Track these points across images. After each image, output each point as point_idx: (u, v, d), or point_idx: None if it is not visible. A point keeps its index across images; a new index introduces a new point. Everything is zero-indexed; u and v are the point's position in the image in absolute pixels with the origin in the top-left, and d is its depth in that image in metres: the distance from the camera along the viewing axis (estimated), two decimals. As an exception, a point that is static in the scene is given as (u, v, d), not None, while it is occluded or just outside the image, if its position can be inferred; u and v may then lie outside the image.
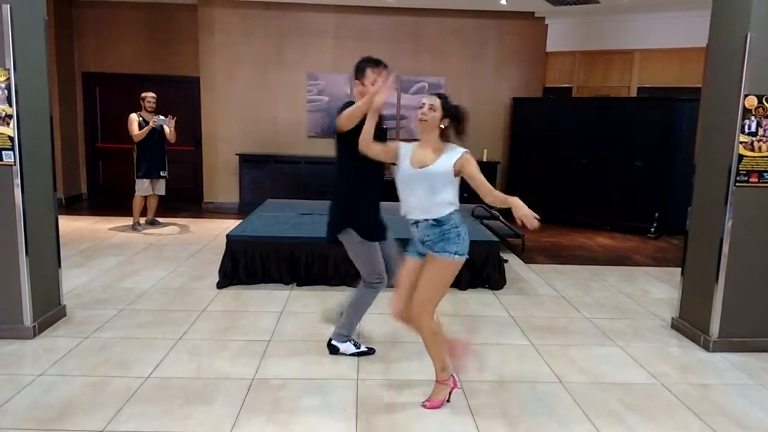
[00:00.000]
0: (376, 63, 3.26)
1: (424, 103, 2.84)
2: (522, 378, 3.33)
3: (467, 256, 2.87)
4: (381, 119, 3.12)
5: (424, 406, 2.94)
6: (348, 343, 3.53)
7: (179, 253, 6.01)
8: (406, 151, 2.94)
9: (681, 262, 4.20)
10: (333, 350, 3.53)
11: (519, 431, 2.76)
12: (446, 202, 2.82)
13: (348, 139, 3.11)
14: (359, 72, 3.27)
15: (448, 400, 2.98)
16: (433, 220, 2.81)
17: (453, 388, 3.01)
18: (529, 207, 2.64)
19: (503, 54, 9.13)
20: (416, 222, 2.87)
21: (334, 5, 8.74)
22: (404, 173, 2.89)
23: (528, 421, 2.85)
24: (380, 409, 2.92)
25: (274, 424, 2.74)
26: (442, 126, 2.84)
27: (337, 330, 3.54)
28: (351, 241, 3.30)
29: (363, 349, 3.55)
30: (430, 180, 2.80)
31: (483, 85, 9.15)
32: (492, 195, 2.79)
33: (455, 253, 2.80)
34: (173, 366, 3.34)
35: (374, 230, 3.34)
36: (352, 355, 3.50)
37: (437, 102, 2.83)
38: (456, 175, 2.82)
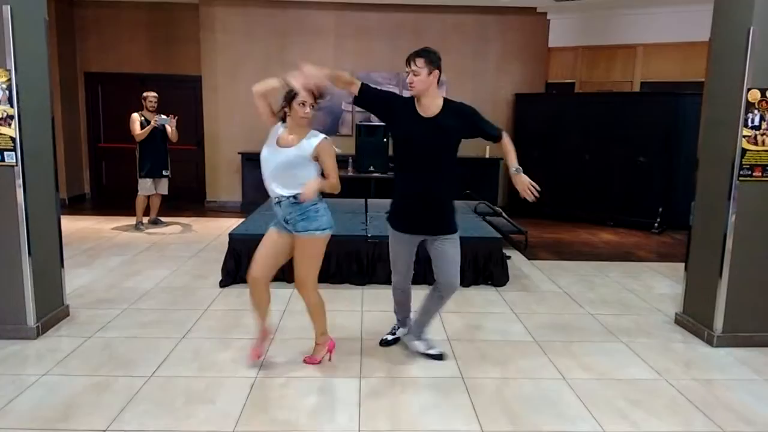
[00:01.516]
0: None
1: (305, 102, 3.03)
2: (525, 374, 3.33)
3: (331, 230, 3.14)
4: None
5: (304, 361, 3.37)
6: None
7: (182, 252, 6.02)
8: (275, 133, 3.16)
9: (685, 258, 4.19)
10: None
11: (522, 428, 2.75)
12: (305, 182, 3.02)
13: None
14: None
15: (329, 359, 3.39)
16: (294, 198, 3.01)
17: (331, 349, 3.39)
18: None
19: (505, 50, 9.11)
20: (279, 201, 3.07)
21: (335, 3, 8.73)
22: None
23: (531, 418, 2.84)
24: (383, 407, 2.92)
25: (277, 423, 2.74)
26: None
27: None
28: None
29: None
30: (291, 160, 3.01)
31: (485, 82, 9.13)
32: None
33: (316, 230, 3.06)
34: (176, 365, 3.34)
35: (392, 216, 3.36)
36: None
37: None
38: (315, 159, 3.04)
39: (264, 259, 3.19)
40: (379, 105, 3.30)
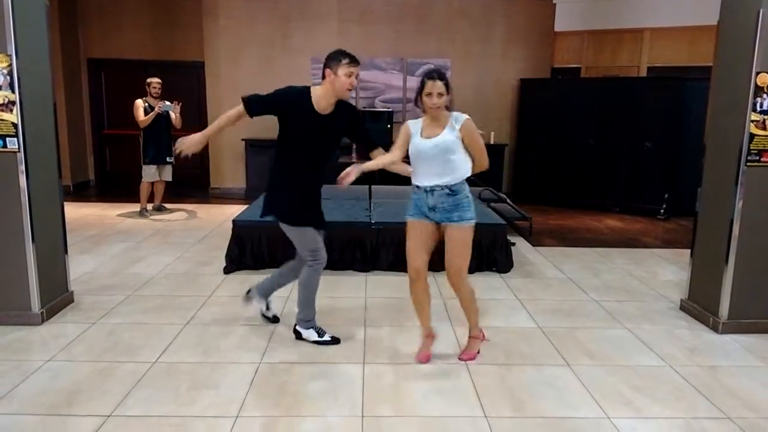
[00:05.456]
0: (351, 58, 3.23)
1: (431, 93, 2.99)
2: (529, 361, 3.32)
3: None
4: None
5: (460, 359, 3.28)
6: (311, 330, 3.47)
7: (186, 238, 6.03)
8: (416, 128, 3.16)
9: (690, 244, 4.16)
10: (297, 335, 3.52)
11: (526, 414, 2.75)
12: (461, 172, 3.07)
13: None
14: (332, 61, 3.23)
15: (478, 352, 3.33)
16: (449, 188, 3.04)
17: (483, 341, 3.39)
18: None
19: (510, 34, 9.01)
20: (432, 189, 3.05)
21: (338, -13, 8.66)
22: (417, 146, 3.10)
23: (535, 404, 2.84)
24: (386, 393, 2.92)
25: (280, 408, 2.75)
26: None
27: (298, 315, 3.50)
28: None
29: (326, 338, 3.45)
30: (443, 150, 3.03)
31: (490, 67, 9.04)
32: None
33: (471, 219, 3.11)
34: (180, 351, 3.35)
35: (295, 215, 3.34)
36: (314, 342, 3.44)
37: (443, 88, 3.01)
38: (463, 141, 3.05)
39: (419, 249, 3.15)
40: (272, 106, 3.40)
